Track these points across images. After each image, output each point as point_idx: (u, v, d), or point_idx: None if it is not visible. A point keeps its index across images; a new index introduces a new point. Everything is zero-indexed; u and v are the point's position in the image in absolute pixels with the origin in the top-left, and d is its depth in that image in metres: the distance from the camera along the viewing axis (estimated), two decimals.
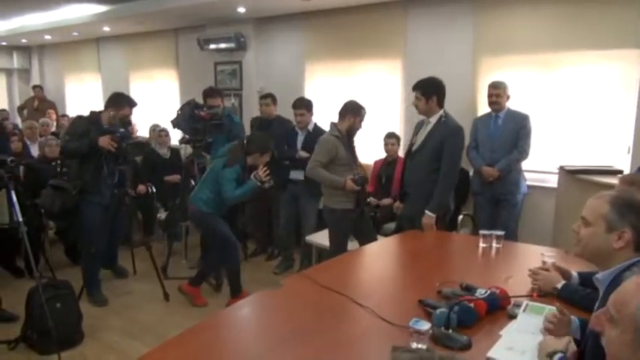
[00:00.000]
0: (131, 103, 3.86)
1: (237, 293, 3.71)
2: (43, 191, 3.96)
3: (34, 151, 5.59)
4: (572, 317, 1.63)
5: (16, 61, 9.80)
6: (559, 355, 1.44)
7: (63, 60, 9.32)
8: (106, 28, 7.48)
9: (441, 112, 3.33)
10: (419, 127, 3.49)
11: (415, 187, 3.38)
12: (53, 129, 6.71)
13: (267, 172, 3.60)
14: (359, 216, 3.62)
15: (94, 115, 3.80)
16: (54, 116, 7.76)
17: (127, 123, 3.87)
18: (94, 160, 3.66)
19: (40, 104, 8.47)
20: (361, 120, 3.64)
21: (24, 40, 9.02)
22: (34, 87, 9.03)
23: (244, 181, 3.62)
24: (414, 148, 3.40)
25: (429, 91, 3.30)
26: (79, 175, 3.71)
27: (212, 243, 3.90)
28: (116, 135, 3.63)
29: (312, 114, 4.42)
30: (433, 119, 3.33)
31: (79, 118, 3.89)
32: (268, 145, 3.74)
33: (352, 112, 3.59)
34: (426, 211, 3.25)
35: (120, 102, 3.80)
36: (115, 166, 3.77)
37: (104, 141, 3.58)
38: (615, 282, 1.37)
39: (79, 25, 7.14)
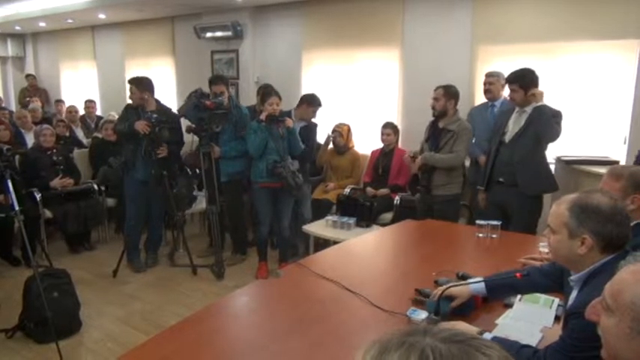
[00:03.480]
0: (146, 86, 4.17)
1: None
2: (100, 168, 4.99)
3: (29, 139, 5.56)
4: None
5: (10, 49, 9.69)
6: (487, 333, 1.52)
7: (58, 47, 9.22)
8: (102, 16, 7.39)
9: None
10: (504, 117, 3.54)
11: (516, 174, 3.41)
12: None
13: None
14: (424, 196, 3.82)
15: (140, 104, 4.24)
16: (38, 103, 7.73)
17: (144, 105, 4.19)
18: (134, 141, 4.17)
19: (32, 92, 8.46)
20: (457, 104, 3.73)
21: (18, 28, 8.91)
22: (27, 76, 8.97)
23: None
24: (508, 136, 3.45)
25: (527, 84, 3.33)
26: (123, 153, 4.28)
27: None
28: (150, 120, 4.05)
29: None
30: (529, 108, 3.37)
31: (128, 105, 4.37)
32: None
33: (450, 96, 3.67)
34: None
35: (139, 86, 4.18)
36: (152, 148, 4.13)
37: (139, 125, 4.05)
38: (587, 283, 1.41)
39: (74, 12, 7.05)
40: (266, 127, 3.91)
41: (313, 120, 4.43)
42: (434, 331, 0.64)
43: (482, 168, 4.02)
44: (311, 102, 4.32)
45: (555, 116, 3.32)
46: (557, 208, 1.48)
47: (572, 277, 1.48)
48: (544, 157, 3.49)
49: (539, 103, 3.31)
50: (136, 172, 4.22)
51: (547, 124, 3.27)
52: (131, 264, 4.35)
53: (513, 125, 3.44)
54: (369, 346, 0.65)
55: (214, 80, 4.38)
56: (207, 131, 4.10)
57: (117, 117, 5.29)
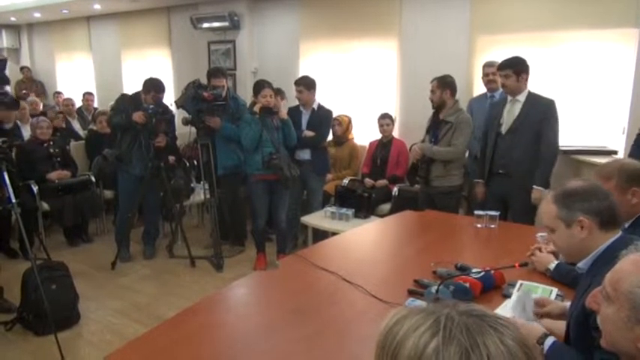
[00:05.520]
0: (156, 88, 4.18)
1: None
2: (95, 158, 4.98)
3: (25, 132, 5.52)
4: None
5: (5, 41, 9.60)
6: (549, 339, 1.45)
7: (53, 39, 9.14)
8: (97, 6, 7.32)
9: (528, 89, 3.36)
10: (497, 106, 3.50)
11: (516, 165, 3.38)
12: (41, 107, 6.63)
13: None
14: (424, 188, 3.79)
15: (135, 95, 4.26)
16: (34, 97, 7.71)
17: (159, 104, 4.21)
18: (131, 133, 4.12)
19: (27, 84, 8.40)
20: (453, 94, 3.66)
21: (13, 19, 8.83)
22: (22, 68, 8.90)
23: None
24: (504, 127, 3.41)
25: (519, 68, 3.29)
26: (118, 145, 4.23)
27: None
28: (147, 111, 4.02)
29: (312, 93, 4.38)
30: (522, 97, 3.34)
31: (122, 96, 4.39)
32: None
33: (444, 86, 3.62)
34: (535, 187, 3.30)
35: (146, 87, 4.21)
36: (148, 140, 4.10)
37: (137, 115, 4.02)
38: (594, 266, 1.41)
39: (69, 3, 6.99)
40: (260, 120, 3.91)
41: (323, 105, 4.44)
42: (456, 305, 0.68)
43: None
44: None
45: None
46: (544, 207, 1.51)
47: (580, 265, 1.48)
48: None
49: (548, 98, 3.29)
50: (133, 168, 4.19)
51: (554, 128, 3.29)
52: (118, 254, 4.26)
53: (508, 116, 3.41)
54: (401, 308, 0.71)
55: (214, 73, 4.34)
56: (205, 122, 4.08)
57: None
